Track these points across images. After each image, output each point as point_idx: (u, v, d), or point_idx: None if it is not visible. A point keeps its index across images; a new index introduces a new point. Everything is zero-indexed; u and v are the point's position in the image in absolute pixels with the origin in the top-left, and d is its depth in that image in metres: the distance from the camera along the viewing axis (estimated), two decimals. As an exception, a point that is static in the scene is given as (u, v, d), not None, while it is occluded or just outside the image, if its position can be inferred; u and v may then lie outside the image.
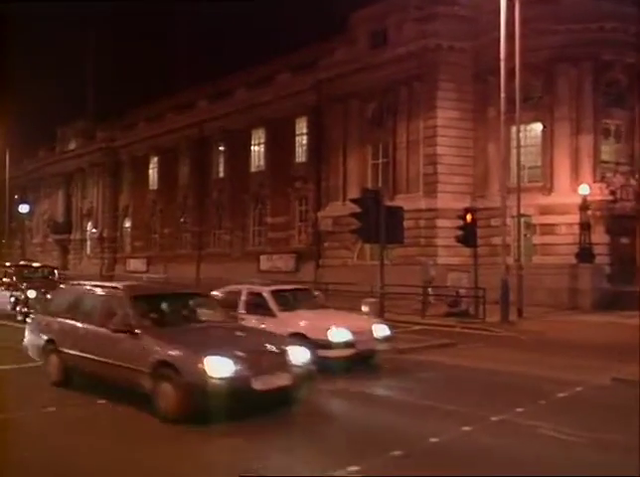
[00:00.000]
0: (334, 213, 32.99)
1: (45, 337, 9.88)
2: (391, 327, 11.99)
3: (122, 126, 51.65)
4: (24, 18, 52.49)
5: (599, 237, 25.81)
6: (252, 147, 40.27)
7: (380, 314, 15.31)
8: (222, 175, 42.60)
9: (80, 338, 9.16)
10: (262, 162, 39.70)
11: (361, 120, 33.22)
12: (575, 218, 25.14)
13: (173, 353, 7.90)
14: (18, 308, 18.07)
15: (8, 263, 22.99)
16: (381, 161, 32.55)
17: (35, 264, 22.81)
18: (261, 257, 37.96)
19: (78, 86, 55.52)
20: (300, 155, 37.36)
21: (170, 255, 44.25)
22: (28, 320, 11.74)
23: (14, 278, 19.54)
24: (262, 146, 39.85)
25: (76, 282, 11.28)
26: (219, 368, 7.61)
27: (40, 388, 9.44)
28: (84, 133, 54.68)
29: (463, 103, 29.75)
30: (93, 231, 53.66)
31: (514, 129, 21.93)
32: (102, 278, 36.72)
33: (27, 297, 17.87)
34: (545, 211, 26.94)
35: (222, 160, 42.69)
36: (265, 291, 11.95)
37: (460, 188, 29.48)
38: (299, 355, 8.41)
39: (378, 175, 32.54)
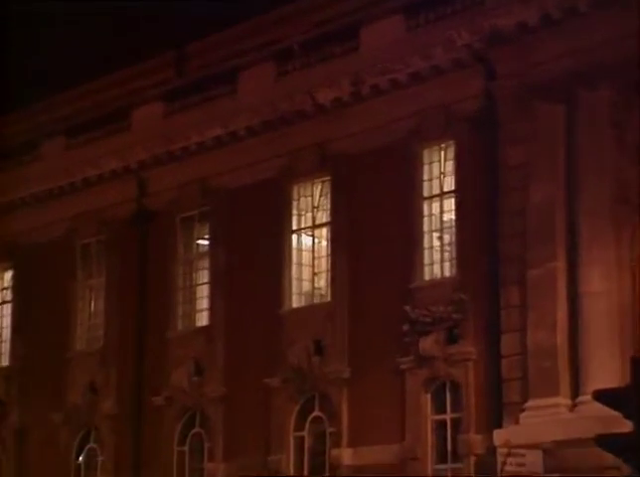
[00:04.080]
0: (538, 435, 30.79)
1: None
2: None
3: None
4: None
5: None
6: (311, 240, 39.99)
7: None
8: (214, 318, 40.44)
9: None
10: (323, 284, 39.12)
11: (614, 147, 32.13)
12: None
13: None
14: None
15: None
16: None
17: None
18: None
19: None
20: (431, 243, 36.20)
21: None
22: None
23: None
24: (324, 235, 38.99)
25: None
26: None
27: None
28: None
29: None
30: None
31: None
32: None
33: None
34: None
35: (211, 268, 41.70)
36: None
37: None
38: None
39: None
